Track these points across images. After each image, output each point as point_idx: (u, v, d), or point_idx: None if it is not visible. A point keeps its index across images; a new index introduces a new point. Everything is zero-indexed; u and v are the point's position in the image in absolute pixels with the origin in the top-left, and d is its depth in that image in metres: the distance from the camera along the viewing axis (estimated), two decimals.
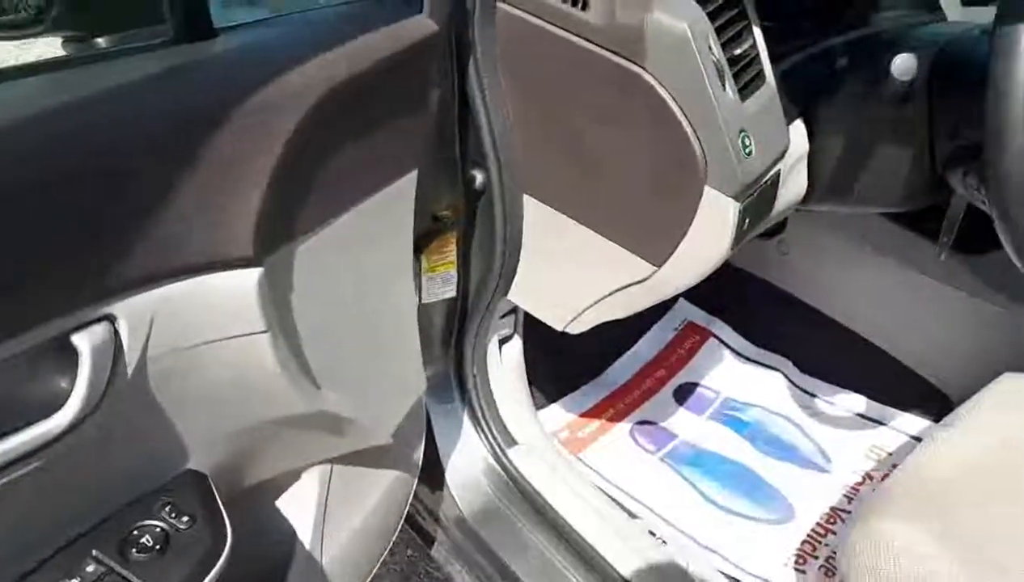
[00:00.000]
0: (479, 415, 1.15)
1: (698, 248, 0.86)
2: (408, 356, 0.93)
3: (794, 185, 0.97)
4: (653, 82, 0.80)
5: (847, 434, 1.39)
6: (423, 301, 1.08)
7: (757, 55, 0.86)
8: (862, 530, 0.92)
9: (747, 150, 0.81)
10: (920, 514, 0.92)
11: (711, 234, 0.85)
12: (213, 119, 0.62)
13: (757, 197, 0.86)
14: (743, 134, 0.81)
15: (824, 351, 1.49)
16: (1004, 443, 1.01)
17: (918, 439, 1.35)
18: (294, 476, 0.85)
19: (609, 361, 1.52)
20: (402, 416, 0.91)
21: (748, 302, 1.58)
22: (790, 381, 1.49)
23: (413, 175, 0.85)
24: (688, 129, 0.80)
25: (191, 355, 0.64)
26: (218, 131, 0.63)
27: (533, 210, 0.99)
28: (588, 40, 0.83)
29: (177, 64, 0.66)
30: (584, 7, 0.83)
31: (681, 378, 1.52)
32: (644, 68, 0.80)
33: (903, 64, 0.84)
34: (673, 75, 0.79)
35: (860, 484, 1.31)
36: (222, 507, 0.66)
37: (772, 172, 0.87)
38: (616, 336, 1.55)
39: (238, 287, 0.63)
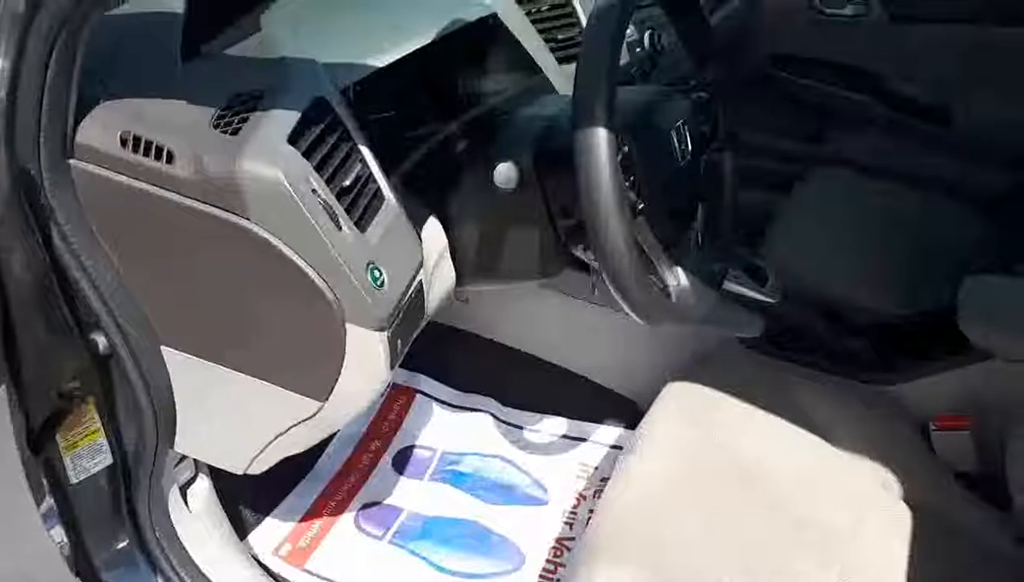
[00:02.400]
0: (175, 580, 1.04)
1: (358, 379, 0.83)
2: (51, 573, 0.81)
3: (442, 280, 0.98)
4: (262, 233, 0.75)
5: (556, 459, 1.47)
6: (74, 482, 0.95)
7: (370, 175, 0.84)
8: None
9: (379, 282, 0.79)
10: (623, 553, 0.98)
11: (367, 365, 0.82)
12: None
13: (404, 316, 0.85)
14: (371, 267, 0.79)
15: (523, 383, 1.56)
16: (679, 458, 1.11)
17: (617, 447, 1.45)
18: None
19: (319, 449, 1.46)
20: None
21: (445, 351, 1.59)
22: (497, 419, 1.53)
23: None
24: (312, 274, 0.76)
25: None
26: None
27: (179, 361, 0.90)
28: (183, 195, 0.76)
29: None
30: (170, 160, 0.76)
31: (397, 444, 1.50)
32: (249, 219, 0.75)
33: (504, 174, 0.87)
34: (280, 224, 0.74)
35: (576, 507, 1.39)
36: None
37: (412, 287, 0.86)
38: None
39: None
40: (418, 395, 1.57)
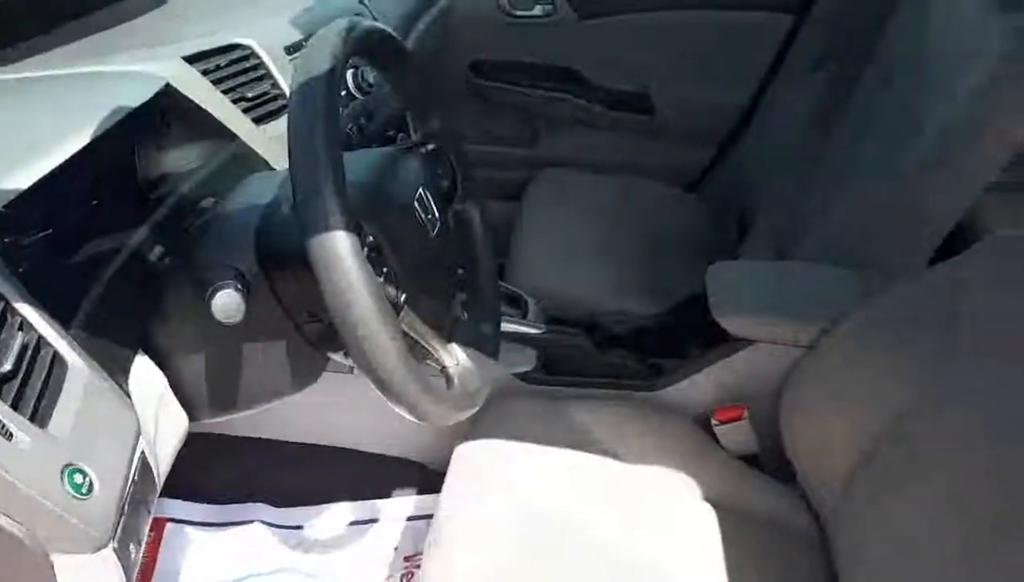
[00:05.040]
0: None
1: None
2: None
3: (171, 428, 0.78)
4: None
5: (349, 552, 1.31)
6: None
7: (40, 340, 0.63)
8: None
9: (83, 488, 0.58)
10: None
11: None
12: None
13: (130, 505, 0.65)
14: (68, 472, 0.58)
15: (292, 476, 1.37)
16: (486, 533, 1.01)
17: (415, 518, 1.33)
18: None
19: None
20: None
21: (193, 462, 1.35)
22: (270, 525, 1.33)
23: None
24: None
25: None
26: None
27: None
28: None
29: None
30: None
31: None
32: None
33: (226, 305, 0.69)
34: None
35: None
36: None
37: (134, 468, 0.66)
38: None
39: None
40: (169, 524, 1.32)
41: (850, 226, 1.20)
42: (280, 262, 0.74)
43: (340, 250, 0.60)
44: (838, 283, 1.13)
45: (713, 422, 1.19)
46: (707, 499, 1.09)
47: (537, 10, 1.74)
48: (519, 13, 1.76)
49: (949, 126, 1.06)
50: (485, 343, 0.90)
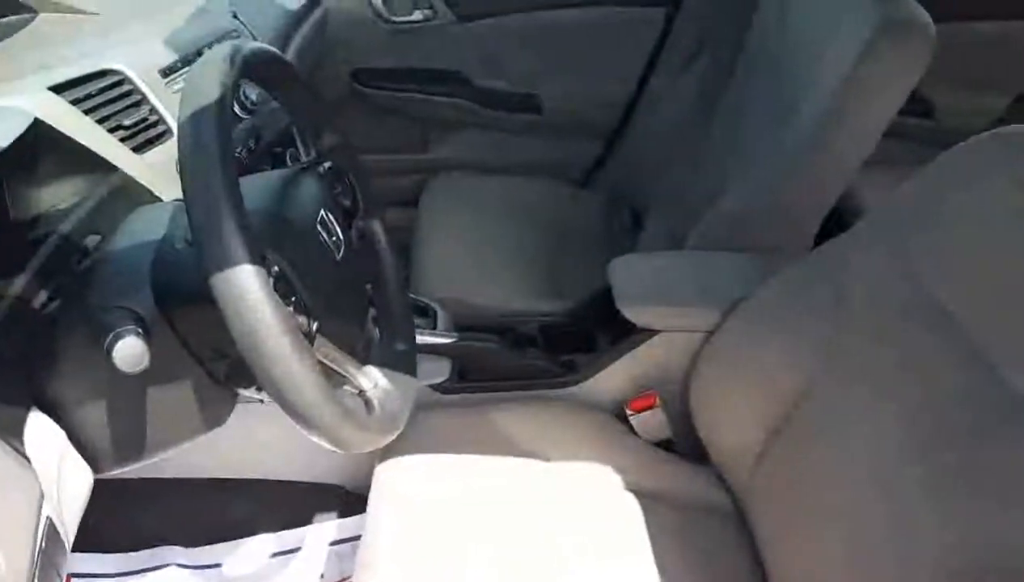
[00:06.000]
0: None
1: None
2: None
3: (76, 485, 0.73)
4: None
5: None
6: None
7: None
8: None
9: None
10: None
11: None
12: None
13: (40, 574, 0.60)
14: None
15: (205, 514, 1.31)
16: (416, 556, 1.00)
17: (340, 541, 1.30)
18: None
19: None
20: None
21: (96, 510, 1.28)
22: (186, 567, 1.27)
23: None
24: None
25: None
26: None
27: None
28: None
29: None
30: None
31: None
32: None
33: (128, 354, 0.65)
34: None
35: None
36: None
37: (40, 534, 0.61)
38: None
39: None
40: (74, 580, 1.24)
41: (738, 212, 1.24)
42: (180, 301, 0.71)
43: (247, 285, 0.58)
44: (734, 268, 1.18)
45: (628, 412, 1.22)
46: (628, 488, 1.11)
47: (416, 15, 1.73)
48: (398, 19, 1.75)
49: (821, 110, 1.12)
50: (401, 361, 0.89)
